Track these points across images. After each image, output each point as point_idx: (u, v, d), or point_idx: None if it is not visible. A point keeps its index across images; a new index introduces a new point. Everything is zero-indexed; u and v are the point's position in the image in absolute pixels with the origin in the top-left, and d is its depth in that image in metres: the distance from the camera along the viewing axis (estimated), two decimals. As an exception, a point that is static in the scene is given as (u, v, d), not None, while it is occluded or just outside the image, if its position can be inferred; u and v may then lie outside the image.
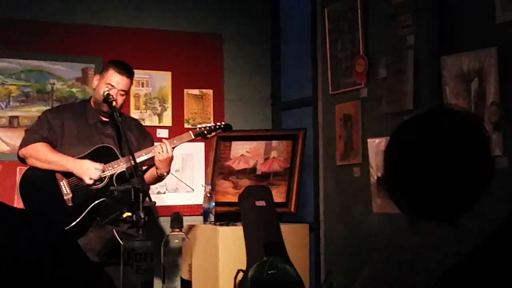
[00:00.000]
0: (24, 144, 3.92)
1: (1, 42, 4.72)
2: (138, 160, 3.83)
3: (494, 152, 3.04)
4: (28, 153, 3.89)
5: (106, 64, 4.02)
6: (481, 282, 1.28)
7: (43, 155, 3.85)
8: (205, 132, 4.12)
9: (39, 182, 3.84)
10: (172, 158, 3.93)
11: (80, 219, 3.74)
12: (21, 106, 4.76)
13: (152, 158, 3.91)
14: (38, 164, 3.85)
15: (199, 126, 4.15)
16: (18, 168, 4.45)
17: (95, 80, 4.01)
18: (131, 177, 3.71)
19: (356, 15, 4.23)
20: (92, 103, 4.03)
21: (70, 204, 3.80)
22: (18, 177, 4.60)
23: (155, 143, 4.03)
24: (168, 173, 4.01)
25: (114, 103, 3.86)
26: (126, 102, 4.91)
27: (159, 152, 3.88)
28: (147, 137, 4.17)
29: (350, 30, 4.31)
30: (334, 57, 4.47)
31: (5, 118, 4.72)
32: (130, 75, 3.98)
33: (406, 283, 1.51)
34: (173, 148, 3.94)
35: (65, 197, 3.81)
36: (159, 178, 4.05)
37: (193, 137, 4.08)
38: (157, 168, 3.95)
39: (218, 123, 4.20)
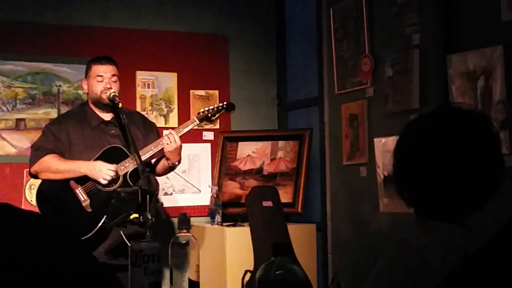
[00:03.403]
0: (33, 160, 3.92)
1: (7, 44, 4.74)
2: (148, 154, 3.85)
3: (502, 151, 3.03)
4: (39, 168, 3.90)
5: (86, 66, 4.06)
6: (487, 281, 1.28)
7: (54, 166, 3.86)
8: (209, 115, 4.09)
9: (55, 193, 3.85)
10: (181, 146, 3.93)
11: (102, 223, 3.74)
12: (27, 109, 4.77)
13: (162, 150, 3.91)
14: (52, 176, 3.86)
15: (202, 110, 4.13)
16: (25, 171, 4.46)
17: (84, 85, 4.04)
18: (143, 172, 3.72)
19: (361, 14, 4.23)
20: (90, 105, 4.04)
21: (89, 210, 3.80)
22: (25, 179, 4.62)
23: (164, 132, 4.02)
24: (179, 162, 4.01)
25: (120, 105, 3.88)
26: (133, 103, 4.93)
27: (167, 143, 3.88)
28: (151, 127, 4.18)
29: (356, 30, 4.31)
30: (340, 56, 4.47)
31: (11, 120, 4.73)
32: (111, 62, 4.01)
33: (414, 283, 1.51)
34: (180, 136, 3.94)
35: (83, 204, 3.81)
36: (171, 168, 4.06)
37: (198, 122, 4.07)
38: (167, 159, 3.95)
39: (221, 104, 4.18)
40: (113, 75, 3.97)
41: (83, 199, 3.82)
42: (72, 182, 3.85)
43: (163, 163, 4.03)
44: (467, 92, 3.44)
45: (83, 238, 3.67)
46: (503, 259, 1.27)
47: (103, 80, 3.94)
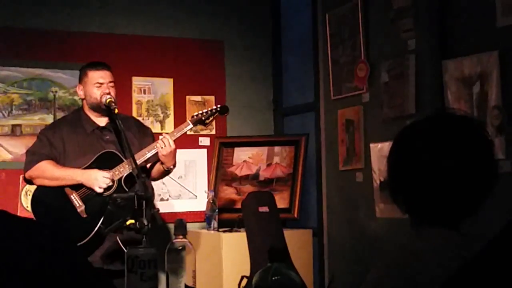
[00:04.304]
0: (28, 166, 3.91)
1: (3, 50, 4.73)
2: (142, 159, 3.84)
3: (497, 156, 3.04)
4: (34, 174, 3.89)
5: (81, 72, 4.03)
6: (485, 287, 1.28)
7: (49, 173, 3.85)
8: (203, 118, 4.08)
9: (50, 199, 3.85)
10: (175, 150, 3.92)
11: (98, 228, 3.74)
12: (23, 115, 4.76)
13: (156, 154, 3.90)
14: (47, 183, 3.85)
15: (196, 113, 4.13)
16: (21, 177, 4.45)
17: (80, 91, 4.01)
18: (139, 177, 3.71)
19: (357, 20, 4.23)
20: (85, 110, 4.03)
21: (84, 216, 3.80)
22: (21, 186, 4.61)
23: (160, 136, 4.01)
24: (174, 166, 4.00)
25: (116, 110, 3.88)
26: (129, 108, 4.93)
27: (161, 147, 3.88)
28: (146, 131, 4.17)
29: (351, 35, 4.31)
30: (336, 62, 4.47)
31: (7, 126, 4.73)
32: (107, 67, 4.00)
33: (411, 288, 1.51)
34: (175, 140, 3.93)
35: (78, 210, 3.80)
36: (166, 172, 4.05)
37: (191, 125, 4.05)
38: (162, 163, 3.94)
39: (214, 107, 4.17)
40: (111, 81, 3.97)
41: (78, 205, 3.81)
42: (67, 188, 3.84)
43: (158, 167, 4.02)
44: (463, 98, 3.45)
45: (78, 244, 3.66)
46: (501, 265, 1.28)
47: (101, 86, 3.93)
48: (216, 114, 4.12)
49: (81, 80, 4.02)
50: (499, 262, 1.28)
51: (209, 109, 4.13)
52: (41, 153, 3.91)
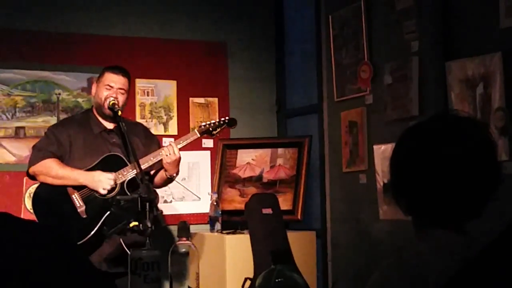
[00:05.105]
0: (33, 161, 3.93)
1: (6, 53, 4.74)
2: (147, 165, 3.86)
3: (501, 157, 3.04)
4: (38, 170, 3.90)
5: (102, 70, 4.06)
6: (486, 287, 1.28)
7: (54, 171, 3.86)
8: (210, 129, 4.11)
9: (51, 197, 3.86)
10: (179, 159, 3.94)
11: (96, 230, 3.75)
12: (27, 117, 4.77)
13: (161, 161, 3.92)
14: (50, 181, 3.87)
15: (203, 123, 4.15)
16: (24, 179, 4.46)
17: (93, 88, 4.06)
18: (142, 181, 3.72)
19: (360, 21, 4.23)
20: (94, 111, 4.05)
21: (84, 216, 3.81)
22: (24, 188, 4.62)
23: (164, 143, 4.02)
24: (177, 174, 4.02)
25: (119, 113, 3.89)
26: (132, 111, 4.93)
27: (166, 155, 3.89)
28: (153, 140, 4.19)
29: (355, 37, 4.31)
30: (339, 64, 4.47)
31: (11, 128, 4.73)
32: (125, 74, 4.02)
33: (414, 290, 1.51)
34: (180, 149, 3.95)
35: (78, 210, 3.82)
36: (169, 180, 4.07)
37: (198, 135, 4.08)
38: (166, 170, 3.96)
39: (223, 118, 4.21)
40: (122, 89, 3.97)
41: (78, 205, 3.82)
42: (69, 187, 3.85)
43: (161, 175, 4.04)
44: (466, 99, 3.44)
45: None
46: (502, 265, 1.28)
47: (110, 89, 3.95)
48: (224, 126, 4.15)
49: (98, 77, 4.05)
50: (500, 263, 1.28)
51: (217, 120, 4.18)
52: (47, 150, 3.92)
